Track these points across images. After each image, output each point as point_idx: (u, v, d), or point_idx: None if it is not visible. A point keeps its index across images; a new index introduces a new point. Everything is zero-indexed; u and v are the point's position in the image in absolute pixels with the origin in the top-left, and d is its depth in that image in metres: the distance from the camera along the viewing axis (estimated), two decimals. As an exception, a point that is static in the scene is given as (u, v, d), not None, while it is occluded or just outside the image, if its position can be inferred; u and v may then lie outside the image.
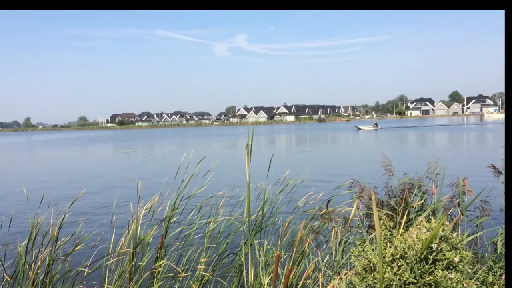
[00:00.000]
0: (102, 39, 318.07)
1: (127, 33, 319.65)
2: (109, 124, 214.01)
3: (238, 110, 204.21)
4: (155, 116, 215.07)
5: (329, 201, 4.74)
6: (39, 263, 4.16)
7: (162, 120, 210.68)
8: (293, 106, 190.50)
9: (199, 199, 5.45)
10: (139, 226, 4.64)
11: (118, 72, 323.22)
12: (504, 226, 3.09)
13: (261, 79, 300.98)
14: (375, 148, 36.33)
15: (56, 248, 4.32)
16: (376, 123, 79.00)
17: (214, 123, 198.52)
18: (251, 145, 3.61)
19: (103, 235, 5.03)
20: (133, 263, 4.38)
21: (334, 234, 4.27)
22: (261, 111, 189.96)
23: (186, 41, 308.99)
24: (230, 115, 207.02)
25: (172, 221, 4.87)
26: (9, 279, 4.20)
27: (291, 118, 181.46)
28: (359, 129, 76.25)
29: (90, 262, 4.53)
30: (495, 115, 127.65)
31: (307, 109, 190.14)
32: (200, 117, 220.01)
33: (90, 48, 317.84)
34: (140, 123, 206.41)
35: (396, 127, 78.92)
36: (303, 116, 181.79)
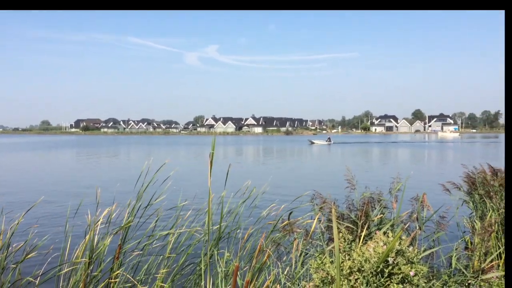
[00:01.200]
0: (71, 43, 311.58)
1: (97, 38, 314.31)
2: (73, 130, 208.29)
3: (207, 120, 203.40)
4: (121, 122, 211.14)
5: (290, 213, 4.75)
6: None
7: (129, 127, 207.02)
8: (261, 118, 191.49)
9: (161, 207, 5.35)
10: (96, 235, 4.50)
11: (85, 77, 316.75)
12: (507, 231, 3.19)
13: (231, 90, 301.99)
14: (331, 161, 36.94)
15: (6, 255, 4.13)
16: (329, 138, 79.53)
17: (181, 132, 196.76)
18: (213, 153, 3.59)
19: (57, 243, 4.85)
20: (88, 271, 4.23)
21: (296, 246, 4.27)
22: (229, 122, 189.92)
23: (157, 49, 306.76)
24: (198, 125, 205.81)
25: (130, 230, 4.75)
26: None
27: (259, 129, 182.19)
28: (312, 143, 76.62)
29: (43, 271, 4.34)
30: (447, 134, 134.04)
31: (275, 121, 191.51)
32: (168, 126, 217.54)
33: (58, 51, 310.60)
34: (105, 129, 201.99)
35: (347, 142, 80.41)
36: (271, 128, 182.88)
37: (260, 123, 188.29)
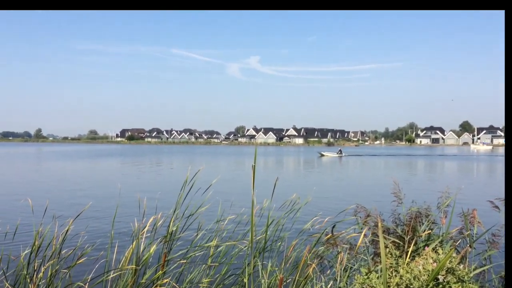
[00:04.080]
0: (117, 55, 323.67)
1: (142, 50, 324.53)
2: (119, 139, 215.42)
3: (247, 130, 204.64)
4: (164, 132, 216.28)
5: (334, 226, 4.68)
6: (41, 274, 4.14)
7: (171, 137, 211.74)
8: (303, 129, 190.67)
9: (203, 217, 5.42)
10: (142, 242, 4.62)
11: (131, 88, 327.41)
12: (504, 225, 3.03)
13: (272, 100, 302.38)
14: (363, 174, 36.12)
15: (58, 260, 4.30)
16: (340, 150, 76.11)
17: (222, 142, 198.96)
18: (254, 166, 3.60)
19: (105, 249, 5.00)
20: (135, 278, 4.33)
21: (340, 260, 4.20)
22: (270, 132, 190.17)
23: (199, 60, 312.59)
24: (239, 135, 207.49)
25: (175, 238, 4.83)
26: (9, 289, 4.17)
27: (300, 140, 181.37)
28: (322, 155, 72.85)
29: (92, 277, 4.49)
30: (481, 147, 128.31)
31: (316, 132, 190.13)
32: (209, 136, 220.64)
33: (103, 63, 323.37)
34: (149, 139, 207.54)
35: (359, 155, 76.32)
36: (312, 139, 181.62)
37: (301, 134, 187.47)
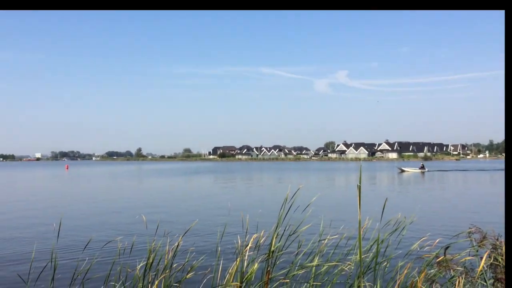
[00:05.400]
0: (210, 77, 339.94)
1: (233, 70, 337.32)
2: (211, 156, 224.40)
3: (338, 145, 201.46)
4: (254, 149, 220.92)
5: (447, 247, 4.38)
6: (155, 286, 4.40)
7: (261, 154, 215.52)
8: (396, 143, 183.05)
9: (304, 235, 5.39)
10: (245, 260, 4.71)
11: (221, 107, 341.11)
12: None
13: (362, 115, 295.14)
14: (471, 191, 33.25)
15: (170, 274, 4.54)
16: (422, 165, 68.39)
17: (312, 158, 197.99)
18: (360, 186, 3.51)
19: (211, 266, 5.18)
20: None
21: (458, 284, 3.90)
22: (361, 147, 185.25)
23: (287, 77, 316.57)
24: (329, 150, 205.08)
25: (278, 255, 4.86)
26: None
27: (393, 155, 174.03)
28: (402, 171, 66.64)
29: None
30: None
31: (411, 146, 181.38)
32: (299, 152, 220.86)
33: (196, 85, 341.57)
34: (240, 156, 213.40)
35: (444, 170, 69.58)
36: (406, 154, 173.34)
37: (395, 148, 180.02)
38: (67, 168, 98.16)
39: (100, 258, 8.21)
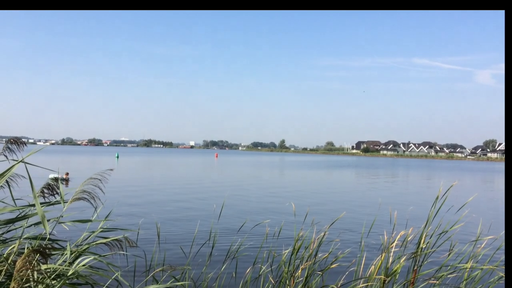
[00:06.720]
0: (358, 69, 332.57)
1: (382, 62, 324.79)
2: (354, 150, 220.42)
3: (499, 144, 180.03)
4: (401, 145, 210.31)
5: None
6: (298, 273, 4.61)
7: (409, 150, 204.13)
8: None
9: (457, 235, 5.06)
10: (391, 255, 4.62)
11: (368, 100, 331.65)
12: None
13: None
14: None
15: (314, 262, 4.70)
16: None
17: (467, 157, 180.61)
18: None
19: (355, 258, 5.20)
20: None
21: None
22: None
23: (445, 69, 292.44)
24: (488, 150, 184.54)
25: (426, 253, 4.66)
26: (273, 282, 4.80)
27: None
28: None
29: (342, 283, 4.74)
30: None
31: None
32: (452, 150, 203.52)
33: (345, 77, 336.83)
34: (384, 152, 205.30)
35: None
36: None
37: None
38: (217, 157, 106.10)
39: (249, 239, 8.84)
